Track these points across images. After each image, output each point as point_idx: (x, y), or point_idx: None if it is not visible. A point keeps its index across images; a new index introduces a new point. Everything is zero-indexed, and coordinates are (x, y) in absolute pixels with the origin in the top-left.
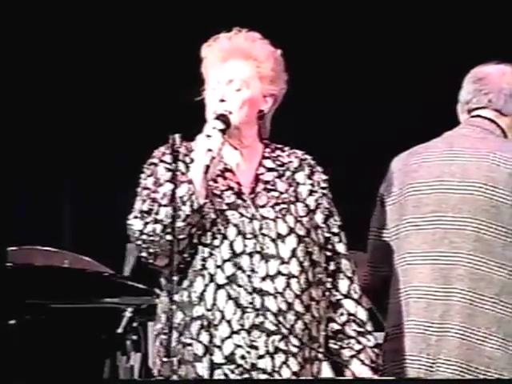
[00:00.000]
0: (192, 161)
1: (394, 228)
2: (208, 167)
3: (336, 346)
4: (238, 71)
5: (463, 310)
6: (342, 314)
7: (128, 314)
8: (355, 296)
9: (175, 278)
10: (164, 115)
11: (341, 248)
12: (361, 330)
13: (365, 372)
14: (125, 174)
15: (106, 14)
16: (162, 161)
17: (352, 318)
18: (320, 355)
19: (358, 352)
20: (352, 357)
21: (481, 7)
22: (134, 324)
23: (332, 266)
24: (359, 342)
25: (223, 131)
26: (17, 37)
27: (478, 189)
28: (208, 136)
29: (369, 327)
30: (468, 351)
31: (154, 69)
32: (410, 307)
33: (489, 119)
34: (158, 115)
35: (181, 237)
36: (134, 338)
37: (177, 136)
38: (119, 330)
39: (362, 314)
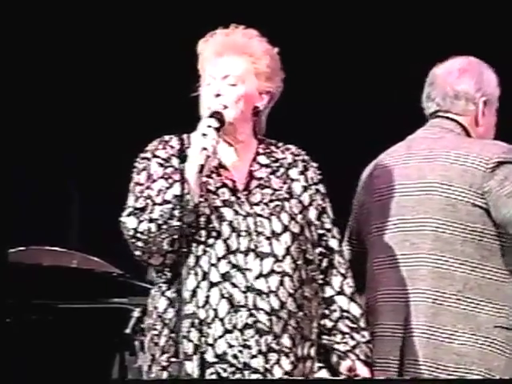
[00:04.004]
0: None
1: (364, 235)
2: (203, 166)
3: (330, 342)
4: (233, 66)
5: (427, 309)
6: (334, 311)
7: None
8: (348, 292)
9: (168, 275)
10: (166, 115)
11: (334, 244)
12: (354, 326)
13: (360, 367)
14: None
15: (103, 8)
16: (155, 156)
17: (345, 314)
18: (312, 353)
19: (353, 347)
20: (347, 352)
21: (487, 8)
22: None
23: (325, 263)
24: (353, 338)
25: (217, 129)
26: (14, 33)
27: (434, 188)
28: (204, 135)
29: (362, 323)
30: (435, 350)
31: (154, 69)
32: (377, 312)
33: (448, 118)
34: (160, 115)
35: (176, 236)
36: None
37: (185, 136)
38: (127, 331)
39: (355, 310)
